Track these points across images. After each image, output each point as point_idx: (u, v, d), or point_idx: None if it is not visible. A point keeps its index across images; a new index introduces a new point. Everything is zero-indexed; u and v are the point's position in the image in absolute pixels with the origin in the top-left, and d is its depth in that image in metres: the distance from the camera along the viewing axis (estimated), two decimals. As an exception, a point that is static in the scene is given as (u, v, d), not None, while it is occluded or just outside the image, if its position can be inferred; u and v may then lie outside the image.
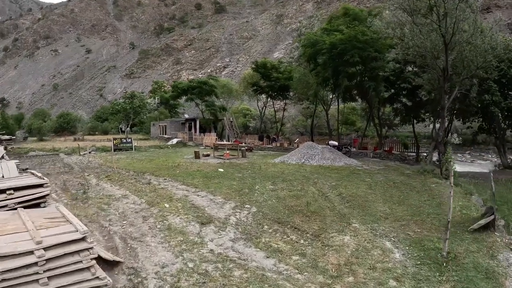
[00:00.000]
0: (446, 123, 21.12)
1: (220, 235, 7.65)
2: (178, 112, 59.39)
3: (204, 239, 7.37)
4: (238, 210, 9.59)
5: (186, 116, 50.00)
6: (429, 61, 15.06)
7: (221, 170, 15.87)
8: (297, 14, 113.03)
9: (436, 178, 14.13)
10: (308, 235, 7.80)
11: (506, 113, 17.97)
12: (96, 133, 58.93)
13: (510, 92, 17.41)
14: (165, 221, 8.30)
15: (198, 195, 10.91)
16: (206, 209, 9.41)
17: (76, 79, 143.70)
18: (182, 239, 7.28)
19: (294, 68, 30.23)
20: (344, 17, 23.28)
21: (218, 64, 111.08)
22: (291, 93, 33.27)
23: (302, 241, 7.44)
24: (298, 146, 23.04)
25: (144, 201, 10.13)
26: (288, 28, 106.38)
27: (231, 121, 40.55)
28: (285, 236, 7.71)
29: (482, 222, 7.75)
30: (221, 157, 21.37)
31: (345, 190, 11.89)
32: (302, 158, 18.59)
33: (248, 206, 10.04)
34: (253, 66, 34.83)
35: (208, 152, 23.09)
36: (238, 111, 54.97)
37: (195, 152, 21.76)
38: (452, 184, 6.47)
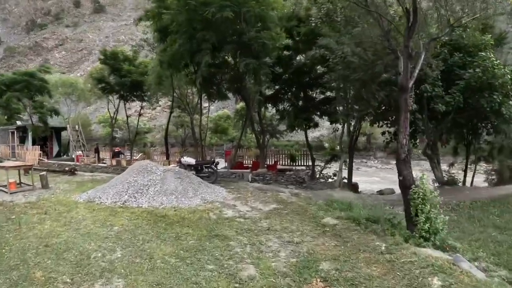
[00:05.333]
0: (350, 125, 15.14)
1: None
2: (21, 118, 44.48)
3: None
4: None
5: (19, 123, 35.93)
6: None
7: None
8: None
9: (419, 247, 5.97)
10: None
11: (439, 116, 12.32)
12: None
13: (452, 86, 11.67)
14: None
15: None
16: None
17: None
18: None
19: (150, 60, 21.45)
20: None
21: (89, 68, 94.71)
22: (148, 93, 23.75)
23: None
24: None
25: None
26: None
27: (77, 130, 29.41)
28: None
29: None
30: (5, 188, 11.18)
31: None
32: (125, 192, 9.25)
33: None
34: (101, 57, 24.20)
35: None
36: (104, 119, 43.95)
37: (-38, 183, 11.30)
38: None
